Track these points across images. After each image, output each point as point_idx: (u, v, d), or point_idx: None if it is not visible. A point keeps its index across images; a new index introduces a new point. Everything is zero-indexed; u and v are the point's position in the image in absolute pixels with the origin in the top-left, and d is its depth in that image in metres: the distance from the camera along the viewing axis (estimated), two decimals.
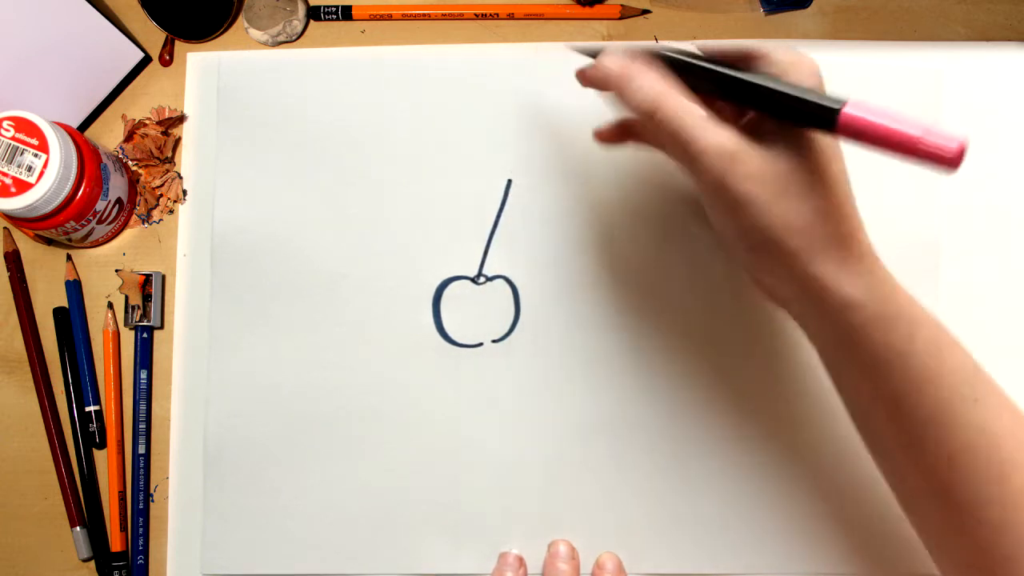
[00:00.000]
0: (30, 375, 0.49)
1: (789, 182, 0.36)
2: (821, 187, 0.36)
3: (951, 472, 0.38)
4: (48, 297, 0.50)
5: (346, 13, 0.51)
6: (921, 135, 0.31)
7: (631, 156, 0.49)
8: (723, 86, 0.37)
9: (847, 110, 0.32)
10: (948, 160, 0.30)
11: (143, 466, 0.49)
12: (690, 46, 0.39)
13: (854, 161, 0.52)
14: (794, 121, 0.35)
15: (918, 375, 0.37)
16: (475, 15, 0.51)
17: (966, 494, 0.37)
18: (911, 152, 0.31)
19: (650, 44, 0.39)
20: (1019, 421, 0.38)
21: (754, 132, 0.37)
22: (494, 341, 0.48)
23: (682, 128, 0.36)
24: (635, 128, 0.44)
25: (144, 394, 0.49)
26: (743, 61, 0.38)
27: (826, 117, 0.33)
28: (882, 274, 0.38)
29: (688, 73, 0.38)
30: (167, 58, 0.52)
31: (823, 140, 0.37)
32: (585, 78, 0.40)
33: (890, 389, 0.39)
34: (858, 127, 0.32)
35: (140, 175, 0.50)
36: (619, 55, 0.39)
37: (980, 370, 0.38)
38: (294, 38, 0.51)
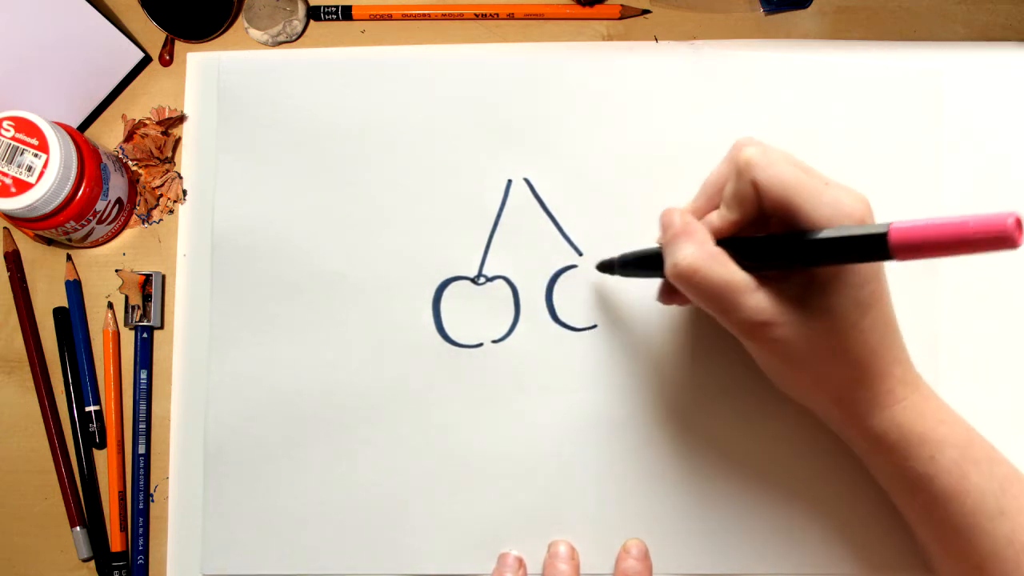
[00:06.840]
0: (30, 375, 0.49)
1: (819, 347, 0.38)
2: (851, 345, 0.37)
3: None
4: (48, 297, 0.50)
5: (346, 13, 0.51)
6: (971, 221, 0.29)
7: (631, 157, 0.49)
8: (765, 254, 0.37)
9: (894, 227, 0.31)
10: (1008, 235, 0.28)
11: (143, 466, 0.49)
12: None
13: (854, 164, 0.51)
14: (849, 261, 0.35)
15: (941, 494, 0.39)
16: (475, 15, 0.51)
17: None
18: (970, 243, 0.29)
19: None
20: None
21: (796, 290, 0.37)
22: (494, 341, 0.48)
23: (718, 297, 0.37)
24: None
25: (144, 394, 0.49)
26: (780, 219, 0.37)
27: (877, 244, 0.32)
28: (912, 400, 0.39)
29: (729, 248, 0.38)
30: (167, 58, 0.52)
31: (858, 294, 0.37)
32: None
33: (916, 505, 0.41)
34: (911, 239, 0.31)
35: (140, 175, 0.50)
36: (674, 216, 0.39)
37: (1011, 481, 0.39)
38: (294, 38, 0.51)
